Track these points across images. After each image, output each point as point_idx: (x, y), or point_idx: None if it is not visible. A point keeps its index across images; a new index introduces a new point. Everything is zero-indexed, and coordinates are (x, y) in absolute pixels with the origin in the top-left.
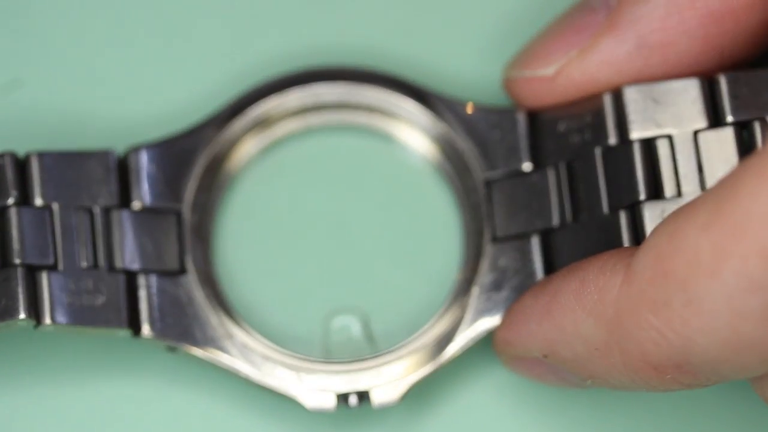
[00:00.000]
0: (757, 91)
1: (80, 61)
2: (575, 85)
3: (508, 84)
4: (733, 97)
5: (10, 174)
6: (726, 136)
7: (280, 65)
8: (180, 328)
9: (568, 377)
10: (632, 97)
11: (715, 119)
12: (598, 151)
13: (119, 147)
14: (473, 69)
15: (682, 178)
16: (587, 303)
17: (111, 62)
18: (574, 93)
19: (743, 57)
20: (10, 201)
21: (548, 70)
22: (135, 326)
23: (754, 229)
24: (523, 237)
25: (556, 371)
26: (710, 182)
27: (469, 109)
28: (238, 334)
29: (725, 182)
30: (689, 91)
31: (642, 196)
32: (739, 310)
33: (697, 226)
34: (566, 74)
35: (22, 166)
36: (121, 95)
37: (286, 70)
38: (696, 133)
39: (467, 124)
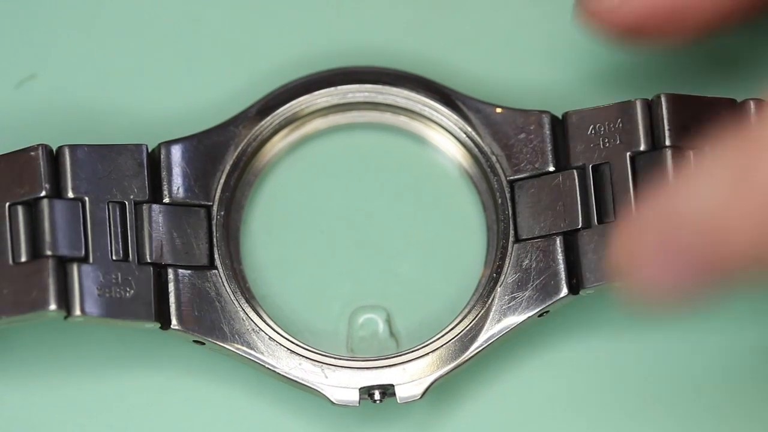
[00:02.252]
0: None
1: (106, 57)
2: (639, 6)
3: (581, 11)
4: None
5: (42, 166)
6: None
7: (310, 66)
8: (207, 322)
9: (692, 255)
10: (668, 104)
11: None
12: (628, 155)
13: (147, 142)
14: (499, 70)
15: None
16: (709, 173)
17: (141, 60)
18: (642, 6)
19: None
20: (43, 193)
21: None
22: (163, 319)
23: None
24: (547, 238)
25: (678, 254)
26: None
27: (497, 111)
28: (265, 328)
29: None
30: (724, 111)
31: None
32: None
33: None
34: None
35: (54, 158)
36: (152, 92)
37: (316, 71)
38: None
39: (493, 126)
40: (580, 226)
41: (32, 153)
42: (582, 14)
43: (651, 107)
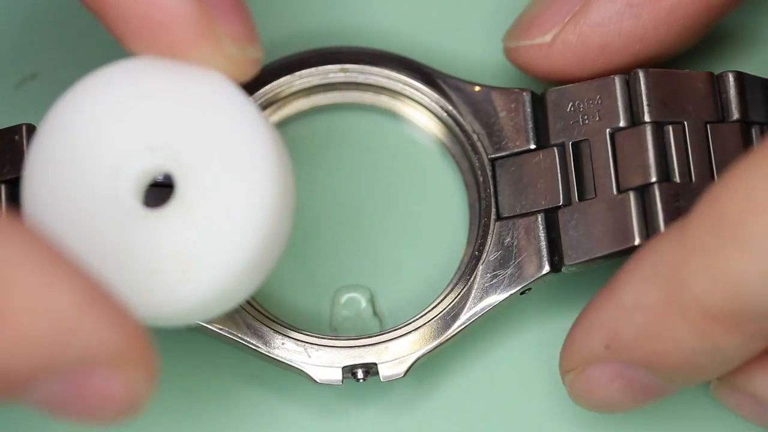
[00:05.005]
0: (761, 96)
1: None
2: (571, 49)
3: (508, 54)
4: (741, 97)
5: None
6: (733, 131)
7: (290, 47)
8: None
9: (634, 375)
10: (646, 80)
11: (724, 115)
12: (607, 132)
13: None
14: (479, 48)
15: (692, 165)
16: (644, 269)
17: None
18: (571, 57)
19: (727, 5)
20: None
21: (545, 38)
22: None
23: None
24: (528, 215)
25: (621, 372)
26: (719, 173)
27: (477, 89)
28: (247, 308)
29: None
30: (702, 84)
31: (653, 178)
32: None
33: (750, 168)
34: (562, 39)
35: None
36: None
37: (296, 52)
38: (707, 124)
39: (474, 104)
40: (561, 204)
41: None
42: (509, 52)
43: (629, 83)
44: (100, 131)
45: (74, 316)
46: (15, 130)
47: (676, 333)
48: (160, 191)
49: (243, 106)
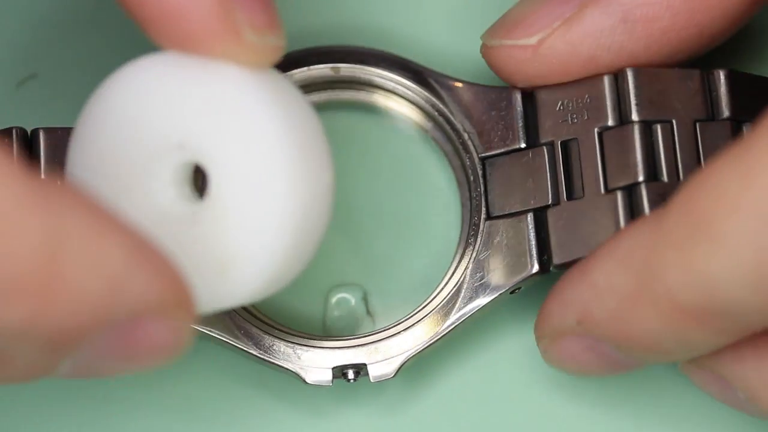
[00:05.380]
0: (752, 94)
1: (106, 56)
2: (557, 56)
3: (487, 52)
4: (732, 95)
5: (16, 150)
6: (722, 129)
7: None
8: None
9: (604, 350)
10: (634, 79)
11: (714, 113)
12: (596, 131)
13: None
14: (470, 46)
15: (680, 164)
16: (619, 254)
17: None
18: (555, 64)
19: (719, 34)
20: None
21: (531, 40)
22: None
23: None
24: (518, 215)
25: (592, 346)
26: None
27: (469, 88)
28: (239, 310)
29: (752, 127)
30: (691, 82)
31: (641, 177)
32: (760, 245)
33: (723, 166)
34: (549, 44)
35: (30, 141)
36: None
37: (287, 51)
38: (696, 122)
39: (465, 103)
40: (549, 203)
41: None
42: (489, 52)
43: (618, 81)
44: (133, 128)
45: (126, 270)
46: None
47: (646, 321)
48: None
49: (263, 100)
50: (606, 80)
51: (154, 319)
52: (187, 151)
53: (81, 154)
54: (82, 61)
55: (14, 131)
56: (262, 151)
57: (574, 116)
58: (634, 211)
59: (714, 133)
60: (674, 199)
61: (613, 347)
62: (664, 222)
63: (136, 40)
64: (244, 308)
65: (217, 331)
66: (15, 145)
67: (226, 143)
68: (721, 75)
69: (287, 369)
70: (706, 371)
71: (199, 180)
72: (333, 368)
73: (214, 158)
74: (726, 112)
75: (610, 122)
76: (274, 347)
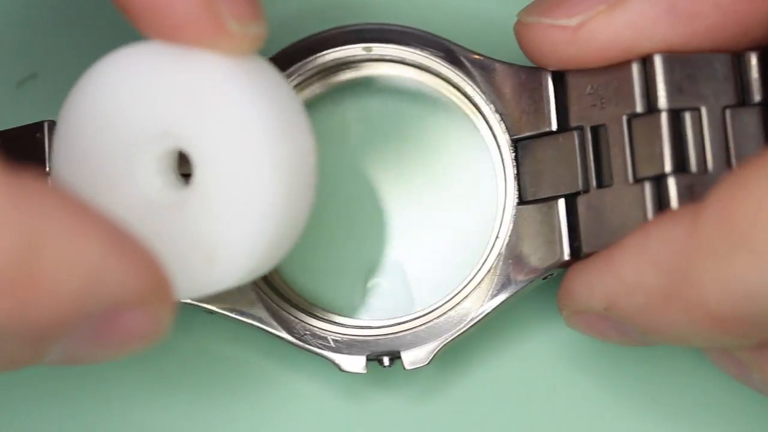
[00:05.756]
0: None
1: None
2: (597, 41)
3: (521, 30)
4: (764, 78)
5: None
6: (753, 115)
7: (312, 26)
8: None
9: (628, 332)
10: (663, 65)
11: (744, 98)
12: (624, 118)
13: None
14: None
15: (708, 154)
16: (650, 252)
17: None
18: (593, 49)
19: (763, 39)
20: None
21: (571, 21)
22: None
23: None
24: (549, 200)
25: (617, 326)
26: (737, 160)
27: (501, 67)
28: (274, 298)
29: None
30: (721, 67)
31: (668, 168)
32: None
33: (762, 175)
34: (590, 28)
35: None
36: None
37: (320, 31)
38: (725, 109)
39: (497, 83)
40: (579, 190)
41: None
42: (523, 29)
43: (646, 67)
44: (115, 118)
45: (103, 263)
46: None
47: (675, 322)
48: None
49: (246, 87)
50: (635, 66)
51: (134, 308)
52: (170, 139)
53: (65, 146)
54: (82, 61)
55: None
56: (246, 137)
57: (604, 101)
58: (662, 203)
59: (745, 120)
60: (709, 204)
61: (638, 333)
62: (699, 228)
63: (135, 40)
64: (280, 293)
65: (253, 319)
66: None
67: (210, 130)
68: (753, 58)
69: (322, 355)
70: (726, 353)
71: (184, 166)
72: (368, 356)
73: (198, 145)
74: (757, 97)
75: (639, 109)
76: (309, 334)
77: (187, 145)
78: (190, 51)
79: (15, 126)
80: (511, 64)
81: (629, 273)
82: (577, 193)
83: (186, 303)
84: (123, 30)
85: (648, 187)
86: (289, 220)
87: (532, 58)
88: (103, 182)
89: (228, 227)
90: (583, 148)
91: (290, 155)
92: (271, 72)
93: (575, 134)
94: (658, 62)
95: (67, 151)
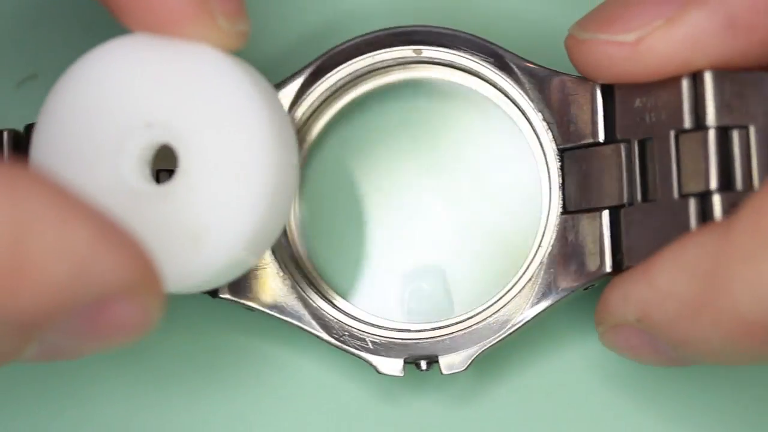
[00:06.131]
0: None
1: None
2: (655, 57)
3: (575, 45)
4: None
5: None
6: None
7: (363, 27)
8: (255, 291)
9: (661, 347)
10: (713, 82)
11: None
12: (672, 133)
13: None
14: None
15: (755, 172)
16: (684, 259)
17: None
18: (651, 65)
19: None
20: None
21: (629, 36)
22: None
23: None
24: (593, 211)
25: (649, 341)
26: None
27: (551, 75)
28: (313, 298)
29: None
30: None
31: (714, 185)
32: None
33: None
34: (648, 44)
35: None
36: None
37: (369, 32)
38: None
39: (546, 92)
40: (624, 202)
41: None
42: (577, 45)
43: (696, 84)
44: (100, 110)
45: (91, 252)
46: None
47: (706, 330)
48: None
49: (237, 77)
50: (685, 82)
51: (122, 299)
52: (155, 130)
53: (46, 136)
54: None
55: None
56: (240, 125)
57: (652, 115)
58: (706, 219)
59: None
60: (743, 210)
61: (670, 347)
62: (732, 233)
63: None
64: (320, 293)
65: (291, 318)
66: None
67: (201, 118)
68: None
69: (360, 357)
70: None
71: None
72: (406, 358)
73: (186, 135)
74: None
75: (687, 125)
76: (348, 335)
77: (172, 135)
78: (177, 43)
79: (14, 126)
80: (560, 73)
81: (663, 281)
82: (621, 206)
83: (225, 299)
84: (124, 30)
85: (692, 204)
86: (275, 212)
87: (585, 72)
88: (85, 172)
89: (216, 213)
90: (630, 161)
91: (279, 147)
92: (253, 70)
93: (622, 147)
94: (708, 79)
95: (49, 142)
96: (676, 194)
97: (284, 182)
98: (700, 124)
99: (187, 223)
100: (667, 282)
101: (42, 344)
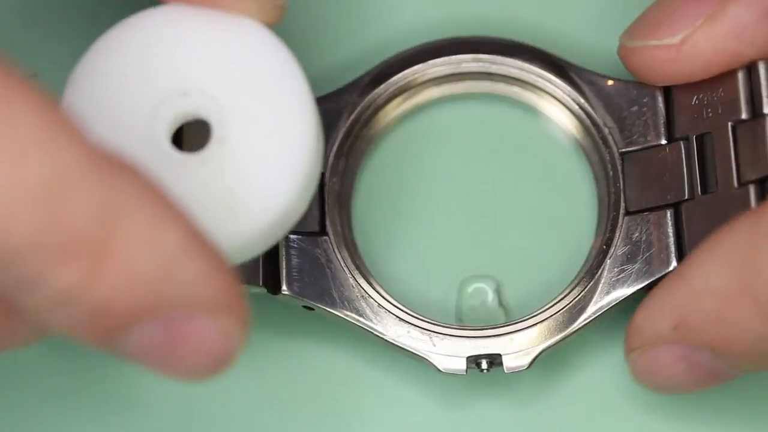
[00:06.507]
0: None
1: None
2: (701, 53)
3: (627, 54)
4: None
5: None
6: None
7: (424, 35)
8: (317, 288)
9: (700, 359)
10: (766, 72)
11: None
12: (729, 125)
13: None
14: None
15: None
16: (718, 253)
17: None
18: (698, 62)
19: None
20: None
21: (674, 39)
22: (273, 284)
23: None
24: (656, 210)
25: (687, 356)
26: None
27: (610, 83)
28: (374, 295)
29: None
30: None
31: None
32: None
33: None
34: (693, 43)
35: None
36: None
37: (430, 40)
38: None
39: (606, 98)
40: (685, 198)
41: None
42: (628, 53)
43: (750, 74)
44: (135, 77)
45: (179, 254)
46: None
47: (746, 319)
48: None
49: (277, 49)
50: (740, 74)
51: (205, 316)
52: (192, 98)
53: (83, 89)
54: None
55: None
56: (282, 94)
57: (709, 110)
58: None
59: None
60: None
61: (709, 354)
62: (762, 218)
63: None
64: (379, 294)
65: (352, 316)
66: None
67: (235, 88)
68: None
69: (421, 356)
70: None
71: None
72: (467, 357)
73: (221, 104)
74: None
75: (744, 116)
76: (409, 334)
77: (209, 104)
78: (217, 14)
79: None
80: (620, 80)
81: (698, 280)
82: (683, 201)
83: (285, 296)
84: None
85: (752, 190)
86: (306, 187)
87: (641, 78)
88: (119, 131)
89: (251, 181)
90: (689, 157)
91: (316, 123)
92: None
93: (681, 144)
94: (762, 69)
95: (84, 97)
96: (735, 184)
97: (317, 160)
98: (756, 113)
99: (222, 191)
100: (703, 279)
101: (122, 350)
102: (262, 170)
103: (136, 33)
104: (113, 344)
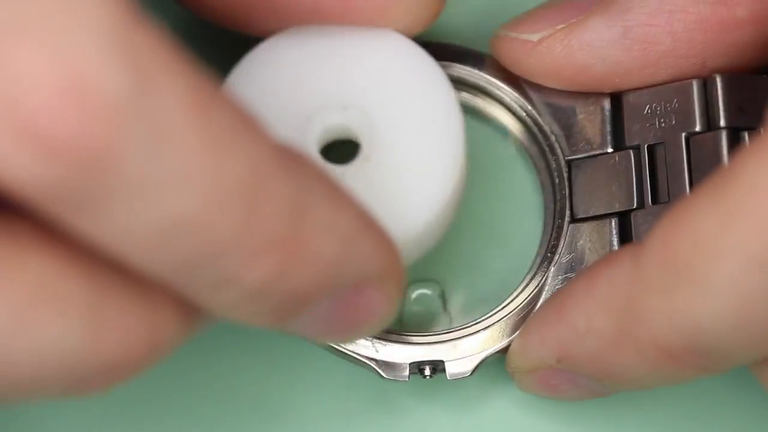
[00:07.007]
0: None
1: None
2: (553, 57)
3: (493, 41)
4: None
5: None
6: None
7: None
8: None
9: (583, 382)
10: (723, 85)
11: None
12: (683, 136)
13: None
14: None
15: None
16: (597, 295)
17: None
18: (548, 65)
19: (725, 68)
20: None
21: (533, 36)
22: None
23: (755, 207)
24: (602, 218)
25: (570, 378)
26: None
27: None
28: None
29: (729, 167)
30: None
31: None
32: (743, 290)
33: (701, 208)
34: (547, 44)
35: None
36: None
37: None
38: None
39: (553, 105)
40: (634, 207)
41: None
42: (494, 41)
43: (706, 87)
44: (293, 85)
45: (356, 234)
46: None
47: (628, 362)
48: None
49: (428, 67)
50: (695, 85)
51: (374, 287)
52: (349, 113)
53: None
54: None
55: None
56: (423, 114)
57: (662, 120)
58: None
59: None
60: (651, 240)
61: (593, 380)
62: (643, 265)
63: None
64: None
65: None
66: None
67: (388, 106)
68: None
69: (364, 362)
70: None
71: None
72: (410, 364)
73: (373, 121)
74: None
75: (698, 128)
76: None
77: (363, 119)
78: (366, 30)
79: None
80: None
81: (580, 320)
82: (631, 210)
83: None
84: None
85: None
86: (448, 211)
87: (504, 67)
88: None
89: (390, 203)
90: (639, 166)
91: (464, 138)
92: None
93: (632, 153)
94: (719, 82)
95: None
96: (687, 194)
97: (462, 180)
98: (712, 125)
99: (368, 203)
100: (584, 320)
101: (297, 325)
102: (401, 196)
103: (295, 44)
104: (286, 324)
